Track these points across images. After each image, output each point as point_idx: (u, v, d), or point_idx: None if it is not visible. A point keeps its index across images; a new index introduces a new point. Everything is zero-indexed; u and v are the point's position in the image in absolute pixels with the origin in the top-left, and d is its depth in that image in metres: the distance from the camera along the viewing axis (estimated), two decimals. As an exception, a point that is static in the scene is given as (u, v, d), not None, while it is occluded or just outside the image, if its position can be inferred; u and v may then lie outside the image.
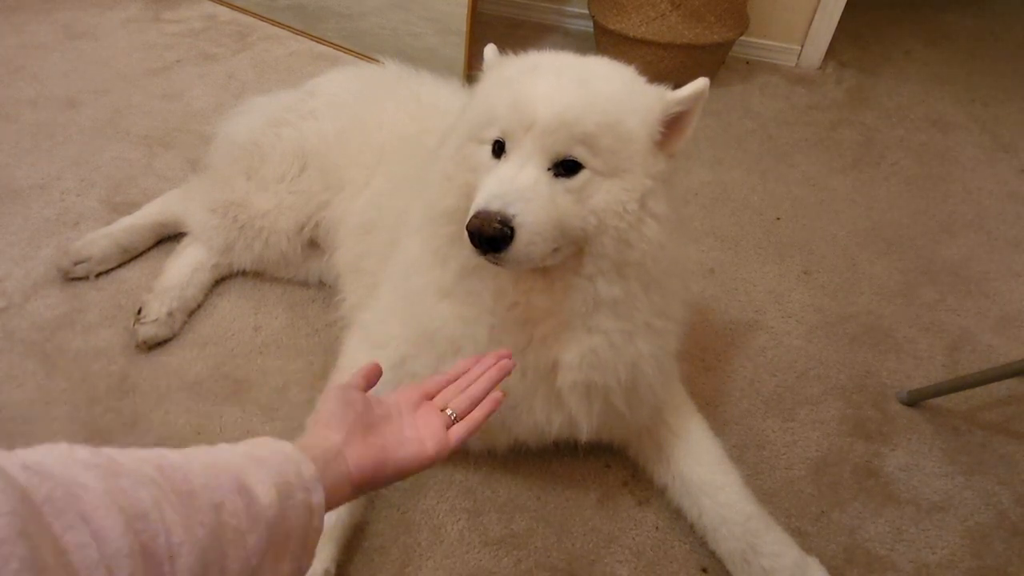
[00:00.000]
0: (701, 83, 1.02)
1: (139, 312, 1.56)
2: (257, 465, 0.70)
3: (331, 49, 2.76)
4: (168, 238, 1.78)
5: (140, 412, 1.43)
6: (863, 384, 1.66)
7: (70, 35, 2.63)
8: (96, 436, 1.38)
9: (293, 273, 1.72)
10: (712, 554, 1.27)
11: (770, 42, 3.00)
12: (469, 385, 0.94)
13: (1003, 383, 1.63)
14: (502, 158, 1.00)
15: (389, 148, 1.57)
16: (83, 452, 0.58)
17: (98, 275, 1.68)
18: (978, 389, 1.60)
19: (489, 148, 1.02)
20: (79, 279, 1.67)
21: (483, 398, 0.93)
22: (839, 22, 2.91)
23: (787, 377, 1.65)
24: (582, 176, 0.98)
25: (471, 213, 0.95)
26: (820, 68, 3.01)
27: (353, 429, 0.83)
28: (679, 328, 1.25)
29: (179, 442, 1.38)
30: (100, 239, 1.69)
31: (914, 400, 1.60)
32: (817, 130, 2.61)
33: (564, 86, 0.98)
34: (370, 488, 0.83)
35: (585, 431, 1.21)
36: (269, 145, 1.63)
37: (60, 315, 1.59)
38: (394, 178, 1.48)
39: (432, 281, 1.15)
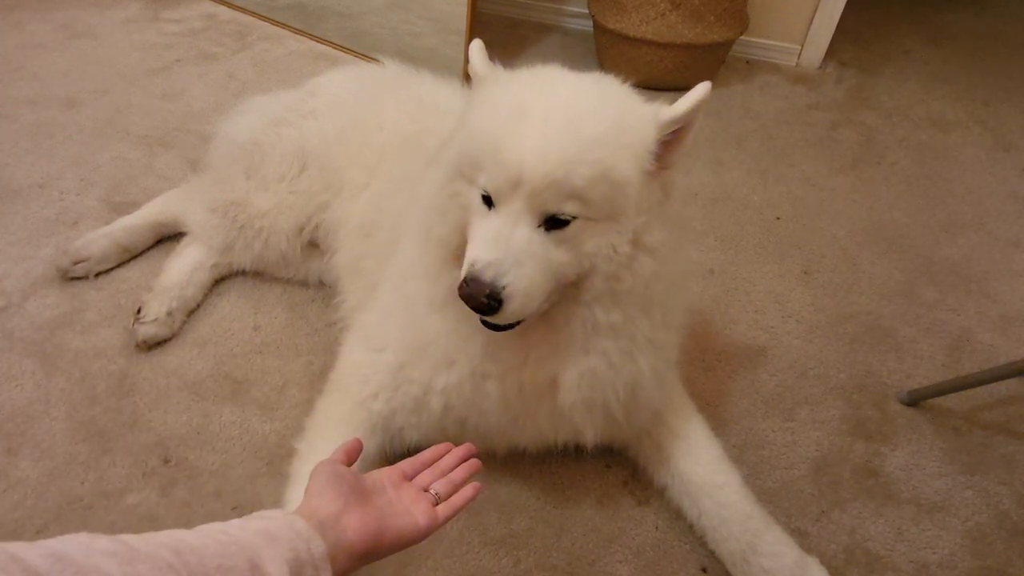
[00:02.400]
0: (701, 91, 0.96)
1: (138, 312, 1.56)
2: (270, 543, 0.72)
3: (331, 49, 2.76)
4: (168, 238, 1.78)
5: (139, 412, 1.43)
6: (863, 384, 1.66)
7: (70, 34, 2.63)
8: (95, 436, 1.37)
9: (293, 273, 1.71)
10: (712, 554, 1.27)
11: (770, 41, 3.00)
12: (445, 471, 0.97)
13: (1003, 383, 1.62)
14: (492, 209, 0.97)
15: (389, 149, 1.56)
16: (103, 541, 0.62)
17: (97, 275, 1.68)
18: (978, 389, 1.59)
19: (478, 192, 0.98)
20: (78, 279, 1.67)
21: (463, 483, 0.95)
22: (839, 22, 2.90)
23: (787, 377, 1.65)
24: (574, 226, 0.96)
25: (464, 272, 0.95)
26: (820, 68, 3.01)
27: (350, 499, 0.83)
28: (680, 336, 1.25)
29: (178, 442, 1.38)
30: (99, 239, 1.69)
31: (914, 400, 1.60)
32: (817, 130, 2.61)
33: (551, 138, 0.92)
34: (371, 558, 0.83)
35: (591, 441, 1.22)
36: (269, 145, 1.63)
37: (59, 315, 1.59)
38: (394, 179, 1.48)
39: (424, 292, 1.15)
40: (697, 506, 1.27)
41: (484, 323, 1.02)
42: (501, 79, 1.04)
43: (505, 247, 0.93)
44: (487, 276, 0.92)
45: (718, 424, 1.44)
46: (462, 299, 0.95)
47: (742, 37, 2.77)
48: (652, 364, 1.15)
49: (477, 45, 1.06)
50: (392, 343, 1.24)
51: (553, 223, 0.95)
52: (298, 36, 2.82)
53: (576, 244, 0.97)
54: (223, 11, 2.92)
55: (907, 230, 2.16)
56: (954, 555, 1.34)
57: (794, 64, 3.02)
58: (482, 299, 0.92)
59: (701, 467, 1.29)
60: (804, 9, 2.90)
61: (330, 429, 1.27)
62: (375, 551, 0.83)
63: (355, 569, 0.82)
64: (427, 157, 1.26)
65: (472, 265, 0.94)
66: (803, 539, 1.32)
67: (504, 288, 0.92)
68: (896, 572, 1.30)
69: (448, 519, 0.90)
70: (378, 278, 1.36)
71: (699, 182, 2.26)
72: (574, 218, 0.95)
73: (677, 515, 1.32)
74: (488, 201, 0.98)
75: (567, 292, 1.04)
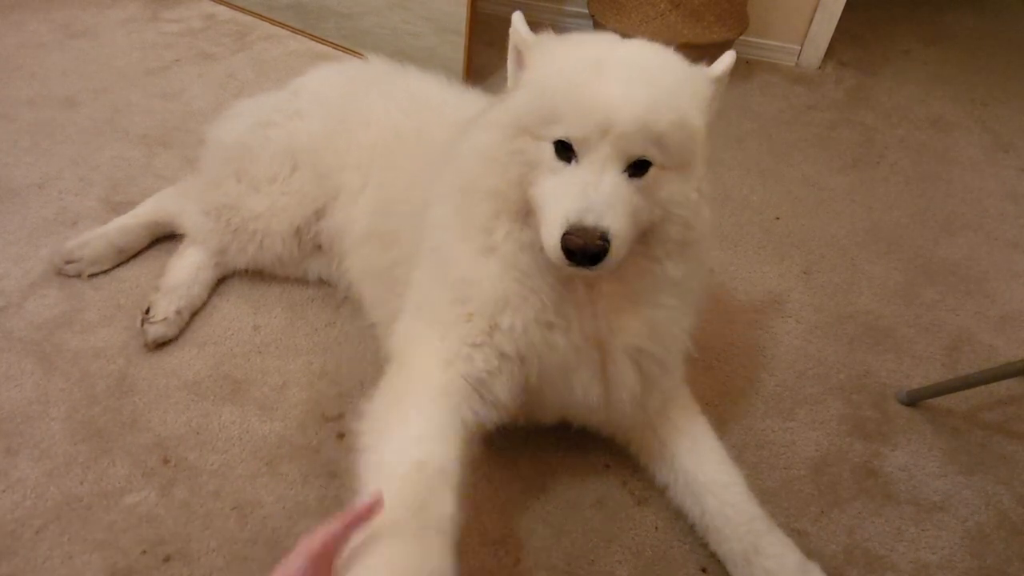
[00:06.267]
0: (729, 58, 1.07)
1: (147, 312, 1.55)
2: None
3: (330, 48, 2.76)
4: (165, 238, 1.77)
5: (139, 412, 1.43)
6: (863, 384, 1.66)
7: (69, 34, 2.63)
8: (94, 436, 1.37)
9: (292, 272, 1.71)
10: (712, 555, 1.26)
11: (770, 42, 3.00)
12: None
13: (1003, 383, 1.62)
14: (573, 162, 0.99)
15: (381, 145, 1.55)
16: None
17: (93, 275, 1.68)
18: (978, 389, 1.59)
19: (550, 146, 1.00)
20: (77, 277, 1.67)
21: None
22: (839, 22, 2.91)
23: (787, 377, 1.65)
24: (651, 173, 1.00)
25: (560, 226, 0.95)
26: (820, 68, 3.01)
27: None
28: (697, 314, 1.28)
29: (177, 441, 1.38)
30: (95, 240, 1.68)
31: (914, 400, 1.60)
32: (817, 130, 2.61)
33: (637, 87, 0.96)
34: None
35: (627, 399, 1.21)
36: (258, 146, 1.61)
37: (59, 314, 1.59)
38: (400, 180, 1.46)
39: (472, 242, 1.12)
40: (700, 504, 1.26)
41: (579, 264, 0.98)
42: (558, 41, 1.09)
43: (596, 193, 0.96)
44: (590, 221, 0.94)
45: (718, 424, 1.44)
46: (569, 253, 0.95)
47: (742, 37, 2.77)
48: (689, 325, 1.23)
49: (519, 16, 1.12)
50: (444, 300, 1.17)
51: (634, 169, 0.99)
52: (298, 36, 2.81)
53: (651, 192, 1.01)
54: (222, 11, 2.92)
55: (906, 230, 2.16)
56: (953, 555, 1.34)
57: (794, 64, 3.02)
58: (596, 242, 0.93)
59: (707, 465, 1.29)
60: (804, 9, 2.91)
61: (410, 404, 1.10)
62: None
63: None
64: (432, 153, 1.26)
65: (571, 214, 0.95)
66: (802, 539, 1.32)
67: (609, 229, 0.94)
68: (895, 572, 1.30)
69: None
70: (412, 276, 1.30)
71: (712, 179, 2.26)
72: (651, 165, 1.00)
73: (677, 515, 1.32)
74: (564, 154, 0.99)
75: (636, 247, 1.06)
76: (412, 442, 1.04)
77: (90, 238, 1.69)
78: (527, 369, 1.17)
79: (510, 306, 1.12)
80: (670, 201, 1.03)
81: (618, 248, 0.96)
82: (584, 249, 0.94)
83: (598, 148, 0.96)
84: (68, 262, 1.66)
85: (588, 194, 0.95)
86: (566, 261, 0.96)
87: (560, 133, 0.99)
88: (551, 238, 0.96)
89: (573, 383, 1.19)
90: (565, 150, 0.99)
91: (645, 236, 1.06)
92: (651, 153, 0.98)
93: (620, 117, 0.95)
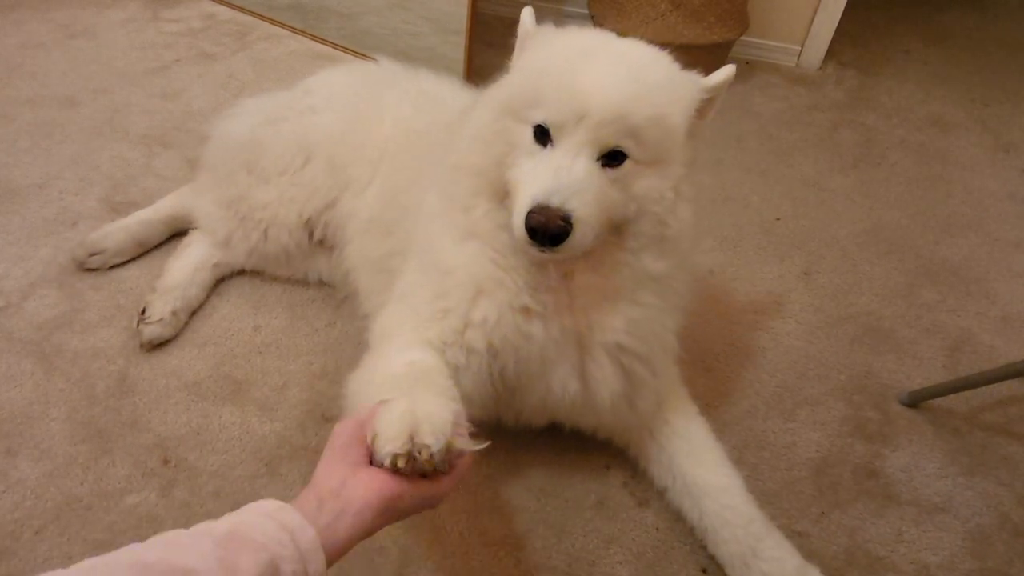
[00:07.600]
0: (729, 70, 1.06)
1: (143, 312, 1.55)
2: (238, 551, 0.68)
3: (330, 48, 2.76)
4: (170, 238, 1.77)
5: (139, 412, 1.43)
6: (863, 385, 1.66)
7: (69, 34, 2.62)
8: (95, 436, 1.37)
9: (294, 271, 1.71)
10: (713, 556, 1.26)
11: (770, 42, 3.00)
12: None
13: (1004, 384, 1.62)
14: (548, 146, 1.00)
15: (393, 143, 1.55)
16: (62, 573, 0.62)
17: (92, 269, 1.68)
18: (979, 390, 1.59)
19: (530, 130, 1.02)
20: (93, 270, 1.68)
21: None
22: (839, 22, 2.90)
23: (787, 378, 1.65)
24: (626, 166, 1.01)
25: (527, 206, 0.96)
26: (820, 68, 3.01)
27: (360, 461, 0.82)
28: (683, 313, 1.28)
29: (177, 442, 1.38)
30: (116, 232, 1.70)
31: (915, 401, 1.60)
32: (817, 130, 2.61)
33: (617, 78, 0.98)
34: (393, 517, 0.81)
35: (607, 397, 1.20)
36: (269, 141, 1.61)
37: (59, 314, 1.59)
38: (406, 174, 1.46)
39: (453, 224, 1.14)
40: (698, 507, 1.26)
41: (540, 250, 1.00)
42: (555, 32, 1.11)
43: (566, 176, 0.97)
44: (555, 202, 0.95)
45: (718, 425, 1.44)
46: (531, 231, 0.96)
47: (742, 37, 2.77)
48: (674, 326, 1.23)
49: (528, 11, 1.14)
50: (424, 293, 1.20)
51: (608, 160, 1.00)
52: (298, 36, 2.81)
53: (626, 185, 1.02)
54: (222, 11, 2.91)
55: (907, 231, 2.16)
56: (954, 556, 1.34)
57: (794, 64, 3.02)
58: (558, 222, 0.94)
59: (704, 468, 1.29)
60: (804, 10, 2.91)
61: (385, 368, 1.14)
62: (393, 509, 0.80)
63: (378, 529, 0.80)
64: (441, 147, 1.27)
65: (538, 195, 0.96)
66: (803, 540, 1.32)
67: (573, 212, 0.95)
68: (897, 573, 1.30)
69: (460, 477, 0.88)
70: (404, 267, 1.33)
71: (699, 183, 2.26)
72: (627, 158, 1.00)
73: (677, 517, 1.32)
74: (541, 139, 1.01)
75: (610, 238, 1.07)
76: (399, 356, 1.11)
77: (112, 230, 1.70)
78: (501, 362, 1.17)
79: (484, 292, 1.13)
80: (644, 197, 1.03)
81: (582, 233, 0.97)
82: (545, 227, 0.95)
83: (573, 134, 0.98)
84: (93, 254, 1.67)
85: (558, 176, 0.97)
86: (529, 240, 0.97)
87: (539, 117, 1.01)
88: (518, 217, 0.98)
89: (550, 378, 1.19)
90: (543, 135, 1.01)
91: (620, 230, 1.07)
92: (626, 145, 0.99)
93: (596, 105, 0.96)
